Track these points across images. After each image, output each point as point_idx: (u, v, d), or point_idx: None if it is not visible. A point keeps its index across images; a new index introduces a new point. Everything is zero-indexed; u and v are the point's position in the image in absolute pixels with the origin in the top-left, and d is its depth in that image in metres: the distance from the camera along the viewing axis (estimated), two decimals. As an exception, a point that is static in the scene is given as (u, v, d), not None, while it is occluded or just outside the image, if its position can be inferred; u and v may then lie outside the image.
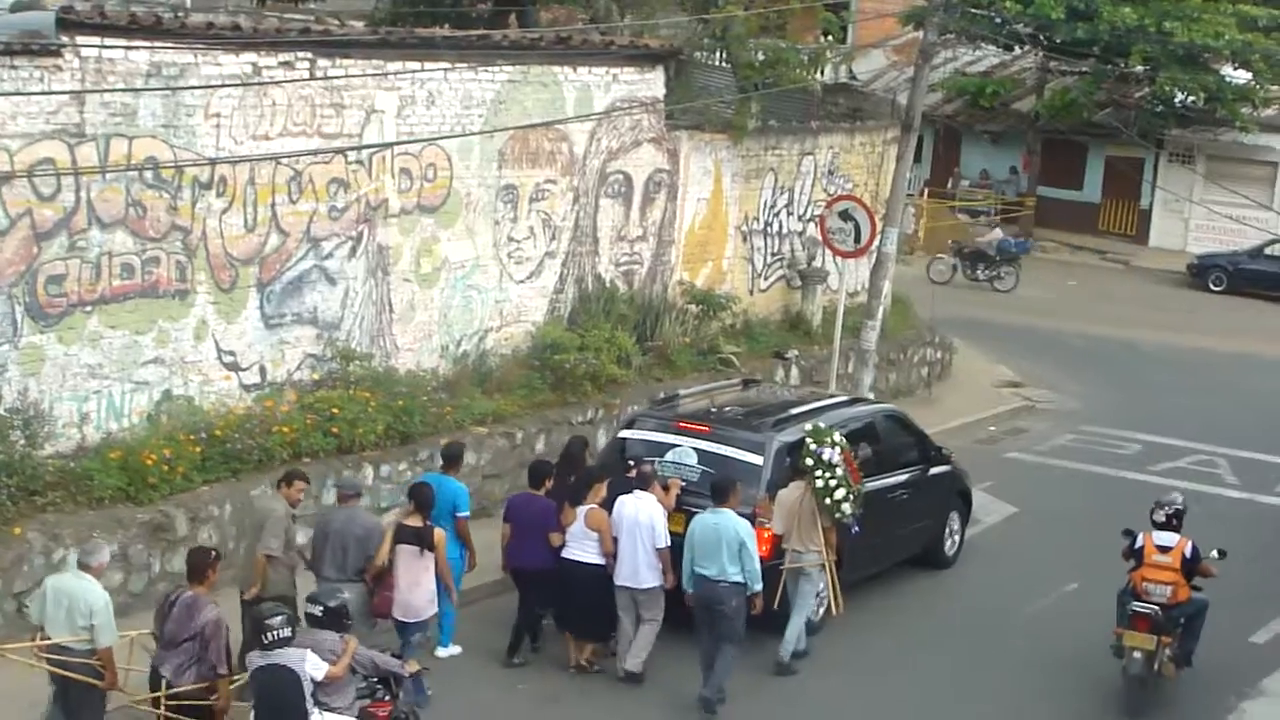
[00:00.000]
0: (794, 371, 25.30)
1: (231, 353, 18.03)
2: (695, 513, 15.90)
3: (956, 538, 20.44)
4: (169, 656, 12.79)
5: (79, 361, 16.42)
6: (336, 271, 19.10)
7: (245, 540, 15.30)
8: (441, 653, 15.97)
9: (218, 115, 17.36)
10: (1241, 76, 45.23)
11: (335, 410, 18.23)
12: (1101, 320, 38.24)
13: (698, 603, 15.53)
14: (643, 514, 15.66)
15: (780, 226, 27.18)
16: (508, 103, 20.97)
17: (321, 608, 12.73)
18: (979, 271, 41.31)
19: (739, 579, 15.30)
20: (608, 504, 15.87)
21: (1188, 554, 16.19)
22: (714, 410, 18.40)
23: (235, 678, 13.02)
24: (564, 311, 22.57)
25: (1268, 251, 44.65)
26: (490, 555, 16.40)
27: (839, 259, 25.66)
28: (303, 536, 17.40)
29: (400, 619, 14.88)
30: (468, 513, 15.97)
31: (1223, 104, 44.88)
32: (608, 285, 23.21)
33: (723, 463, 16.87)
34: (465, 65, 20.26)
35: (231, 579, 14.94)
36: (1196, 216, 47.95)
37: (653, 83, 23.51)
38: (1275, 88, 45.63)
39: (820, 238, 25.77)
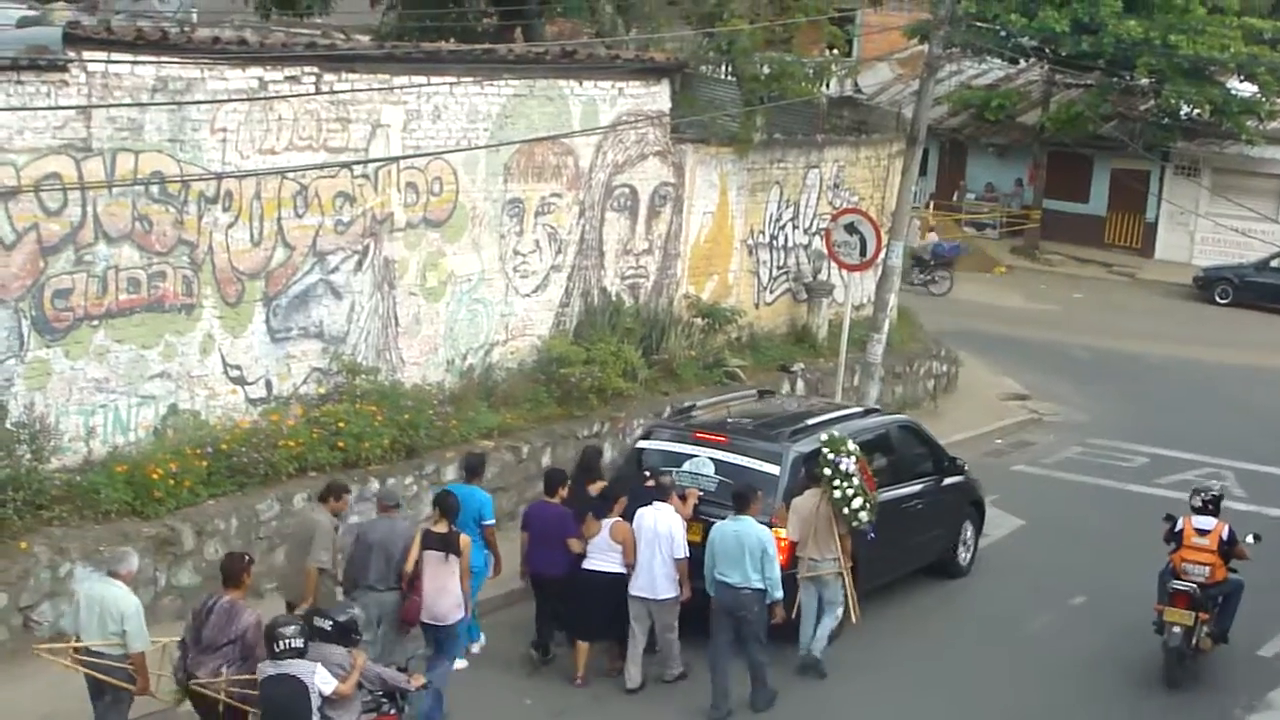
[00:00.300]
0: (799, 385, 25.30)
1: (237, 367, 18.04)
2: (712, 522, 16.10)
3: (970, 547, 20.54)
4: (205, 660, 12.88)
5: (85, 375, 16.43)
6: (342, 285, 19.11)
7: (289, 553, 15.43)
8: (474, 648, 16.21)
9: (224, 130, 17.38)
10: (1247, 89, 45.24)
11: (341, 424, 18.23)
12: (1107, 333, 38.22)
13: (720, 609, 15.67)
14: (662, 525, 15.82)
15: (786, 240, 27.19)
16: (513, 116, 20.99)
17: (331, 622, 12.73)
18: (914, 275, 40.85)
19: (761, 586, 15.51)
20: (626, 515, 16.04)
21: (1225, 537, 17.19)
22: (730, 421, 18.59)
23: None
24: (569, 325, 22.57)
25: (1274, 264, 44.66)
26: (508, 565, 16.49)
27: (844, 272, 25.70)
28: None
29: (428, 623, 14.98)
30: (493, 520, 16.15)
31: (1228, 117, 44.90)
32: (613, 299, 23.21)
33: (740, 473, 17.07)
34: (471, 79, 20.29)
35: (273, 589, 15.28)
36: (1202, 229, 47.98)
37: (658, 96, 23.53)
38: (1281, 100, 45.67)
39: (826, 251, 25.77)
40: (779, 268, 27.14)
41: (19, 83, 15.36)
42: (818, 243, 27.05)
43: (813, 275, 27.49)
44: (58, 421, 16.15)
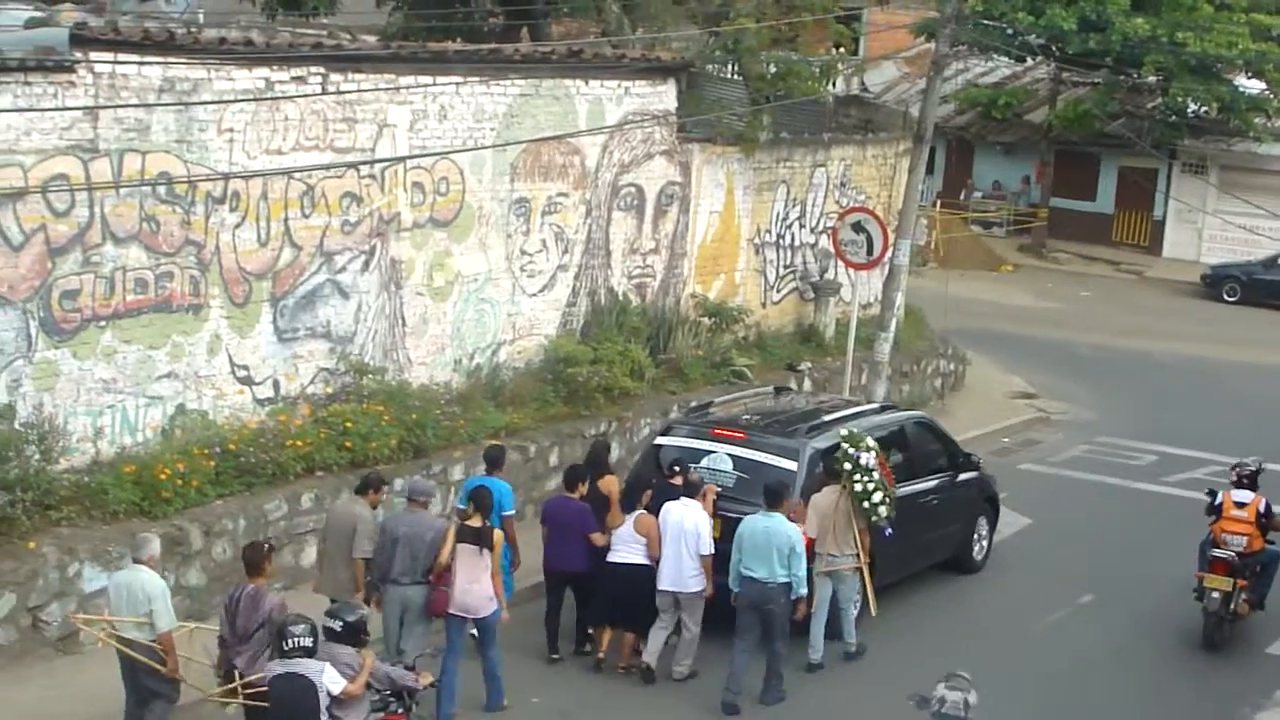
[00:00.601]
0: (806, 384, 25.29)
1: (245, 367, 18.06)
2: (730, 518, 16.32)
3: (984, 543, 20.67)
4: (242, 650, 13.07)
5: (93, 376, 16.45)
6: (349, 285, 19.13)
7: (327, 547, 15.53)
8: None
9: (231, 130, 17.41)
10: (1255, 86, 45.20)
11: (348, 424, 18.25)
12: (1115, 331, 38.20)
13: (744, 603, 15.86)
14: (689, 521, 16.02)
15: (792, 239, 27.19)
16: (520, 116, 21.00)
17: (341, 623, 12.76)
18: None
19: (787, 580, 15.74)
20: (655, 506, 16.31)
21: (1262, 510, 18.32)
22: (748, 417, 18.74)
23: None
24: (577, 324, 22.58)
25: (1282, 261, 44.66)
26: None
27: (851, 271, 25.69)
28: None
29: (459, 614, 15.10)
30: (513, 511, 16.33)
31: (1236, 114, 44.86)
32: (620, 298, 23.23)
33: (758, 469, 17.28)
34: (477, 79, 20.31)
35: (280, 588, 15.42)
36: (1210, 227, 47.92)
37: (665, 95, 23.54)
38: (1288, 97, 45.60)
39: (833, 250, 25.77)
40: (786, 267, 27.14)
41: (26, 84, 15.39)
42: (824, 241, 27.05)
43: (819, 274, 27.48)
44: (66, 422, 16.17)
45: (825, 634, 16.95)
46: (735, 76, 26.73)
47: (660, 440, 18.44)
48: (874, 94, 46.80)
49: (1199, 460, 26.66)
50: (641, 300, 23.67)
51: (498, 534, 15.17)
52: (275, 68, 17.79)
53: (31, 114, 15.42)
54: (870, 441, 17.24)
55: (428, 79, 19.60)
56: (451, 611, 15.03)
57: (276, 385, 18.46)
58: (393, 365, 19.81)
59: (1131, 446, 27.54)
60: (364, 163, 18.95)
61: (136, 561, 13.40)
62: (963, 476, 20.04)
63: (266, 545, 13.80)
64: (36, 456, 15.47)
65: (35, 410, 15.84)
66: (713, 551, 16.03)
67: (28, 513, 15.15)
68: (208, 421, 17.64)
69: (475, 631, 15.28)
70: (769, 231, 26.55)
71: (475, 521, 15.15)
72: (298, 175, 18.16)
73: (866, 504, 16.91)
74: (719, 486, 17.06)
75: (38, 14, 16.94)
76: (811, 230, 27.54)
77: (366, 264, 19.30)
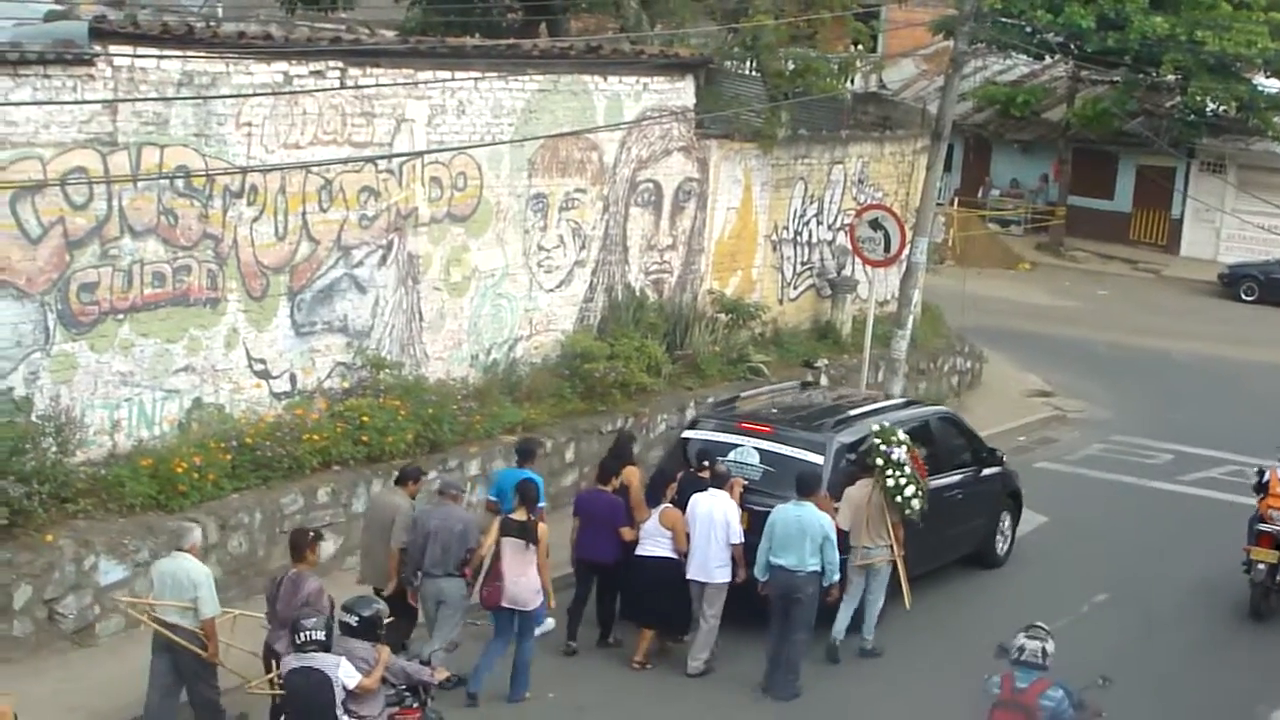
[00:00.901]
0: (823, 381, 25.26)
1: (262, 361, 18.08)
2: (757, 510, 16.50)
3: (1007, 538, 20.79)
4: (282, 634, 13.23)
5: (110, 369, 16.48)
6: (367, 280, 19.14)
7: (367, 537, 15.87)
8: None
9: (249, 124, 17.42)
10: (1274, 85, 45.12)
11: (365, 418, 18.26)
12: (1132, 330, 38.13)
13: (774, 592, 16.06)
14: (718, 511, 16.20)
15: (810, 235, 27.16)
16: (538, 111, 21.00)
17: (357, 617, 12.79)
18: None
19: (816, 569, 15.93)
20: (681, 500, 16.46)
21: None
22: (774, 411, 18.92)
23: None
24: (593, 320, 22.58)
25: (1300, 262, 44.56)
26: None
27: (869, 268, 25.65)
28: (333, 545, 17.52)
29: (509, 607, 15.25)
30: (544, 504, 16.35)
31: (1255, 113, 44.78)
32: (637, 294, 23.22)
33: (784, 462, 17.41)
34: (495, 74, 20.30)
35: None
36: (1228, 226, 47.81)
37: (683, 92, 23.52)
38: (1308, 97, 45.49)
39: (850, 247, 25.74)
40: (803, 263, 27.12)
41: (46, 77, 15.42)
42: (842, 238, 27.02)
43: (837, 271, 27.46)
44: (83, 415, 16.20)
45: (849, 625, 17.12)
46: (753, 73, 26.71)
47: (688, 434, 18.60)
48: (892, 91, 46.76)
49: (1215, 460, 26.61)
50: (658, 296, 23.67)
51: (542, 528, 15.33)
52: (294, 62, 17.80)
53: (51, 107, 15.43)
54: (902, 436, 17.44)
55: (446, 74, 19.62)
56: (504, 605, 15.25)
57: (293, 379, 18.47)
58: (409, 360, 19.81)
59: (1148, 445, 27.48)
60: (382, 157, 18.95)
61: (179, 550, 13.68)
62: (986, 471, 20.18)
63: (312, 533, 14.07)
64: (53, 449, 15.50)
65: (52, 403, 15.87)
66: (742, 540, 16.21)
67: (44, 505, 15.17)
68: (224, 415, 17.66)
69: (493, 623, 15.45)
70: (786, 228, 26.53)
71: (520, 515, 15.32)
72: (315, 169, 18.17)
73: (899, 498, 17.10)
74: (745, 480, 17.20)
75: (57, 7, 16.97)
76: (829, 227, 27.51)
77: (384, 259, 19.31)
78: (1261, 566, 18.83)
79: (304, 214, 18.23)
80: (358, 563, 16.48)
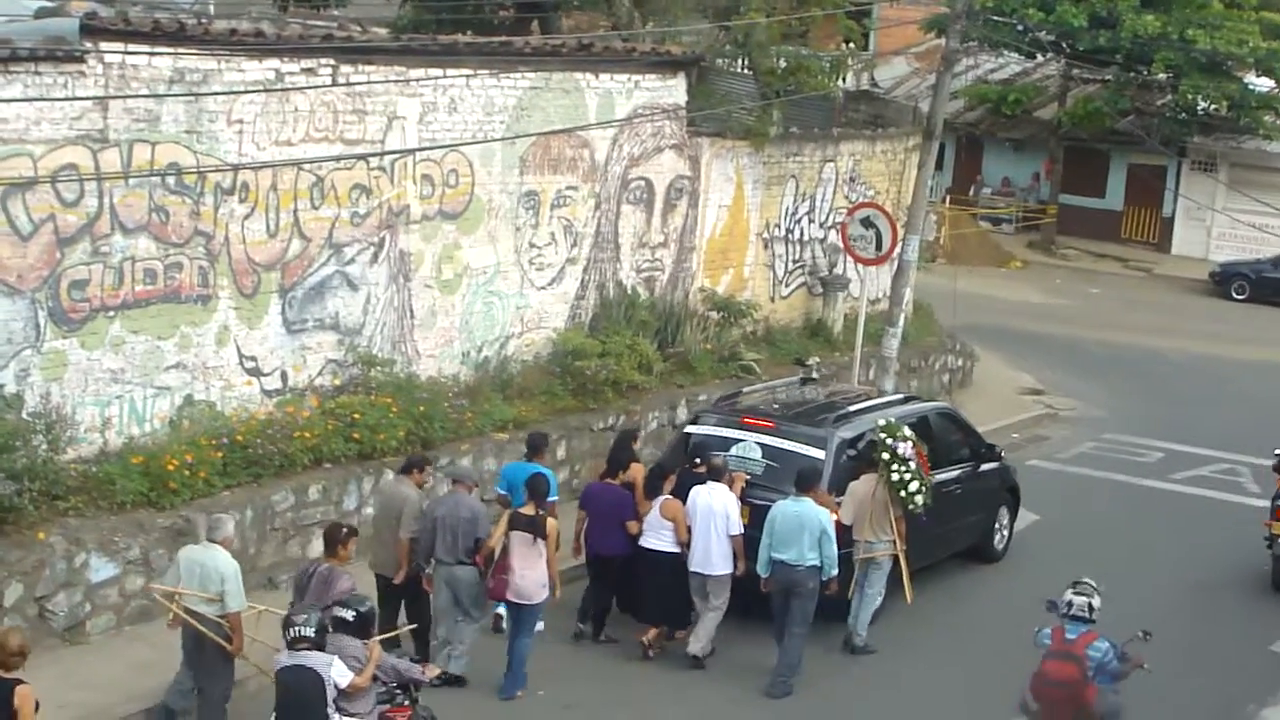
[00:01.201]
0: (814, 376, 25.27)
1: (253, 358, 18.06)
2: (759, 505, 16.67)
3: (1005, 533, 20.96)
4: None
5: (101, 366, 16.45)
6: (358, 277, 19.13)
7: (377, 527, 16.00)
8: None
9: (240, 121, 17.40)
10: (1265, 84, 45.18)
11: (356, 416, 18.24)
12: (1123, 328, 38.18)
13: (775, 586, 16.21)
14: (717, 503, 16.38)
15: (801, 233, 27.17)
16: (530, 109, 20.99)
17: (354, 613, 12.82)
18: None
19: (815, 563, 16.05)
20: (678, 495, 16.61)
21: None
22: (776, 406, 19.11)
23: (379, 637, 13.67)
24: (585, 318, 22.58)
25: (1290, 260, 44.59)
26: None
27: (860, 266, 25.66)
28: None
29: (514, 601, 15.39)
30: (555, 497, 16.48)
31: (1246, 112, 44.85)
32: (629, 292, 23.22)
33: (786, 457, 17.58)
34: (487, 72, 20.29)
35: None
36: (1219, 225, 47.90)
37: (675, 89, 23.52)
38: (1298, 95, 45.55)
39: (842, 245, 25.73)
40: (794, 261, 27.13)
41: (36, 73, 15.37)
42: (833, 237, 27.03)
43: (828, 269, 27.48)
44: (74, 412, 16.17)
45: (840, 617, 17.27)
46: (745, 71, 26.73)
47: (690, 429, 18.73)
48: (884, 89, 46.82)
49: (1206, 458, 26.67)
50: (650, 294, 23.67)
51: (551, 523, 15.43)
52: (285, 59, 17.78)
53: (41, 104, 15.39)
54: (907, 431, 17.59)
55: (438, 71, 19.60)
56: (509, 599, 15.39)
57: (284, 376, 18.46)
58: (401, 357, 19.80)
59: (1139, 443, 27.52)
60: (374, 154, 18.93)
61: (211, 541, 13.80)
62: (985, 467, 20.37)
63: (345, 528, 14.20)
64: (44, 446, 15.46)
65: (43, 400, 15.83)
66: (741, 532, 16.37)
67: (35, 503, 15.14)
68: (215, 412, 17.64)
69: (505, 613, 15.72)
70: (778, 226, 26.54)
71: (529, 510, 15.43)
72: (307, 167, 18.15)
73: (903, 493, 17.25)
74: (748, 474, 17.38)
75: (48, 4, 16.93)
76: (820, 225, 27.53)
77: (375, 256, 19.30)
78: None
79: (295, 211, 18.21)
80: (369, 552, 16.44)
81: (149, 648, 15.21)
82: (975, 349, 31.22)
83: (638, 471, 17.21)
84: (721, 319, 24.63)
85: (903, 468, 17.25)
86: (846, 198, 27.73)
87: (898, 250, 25.26)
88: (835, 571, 16.25)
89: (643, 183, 23.27)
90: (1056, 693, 13.50)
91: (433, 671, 13.71)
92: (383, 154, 19.04)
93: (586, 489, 17.48)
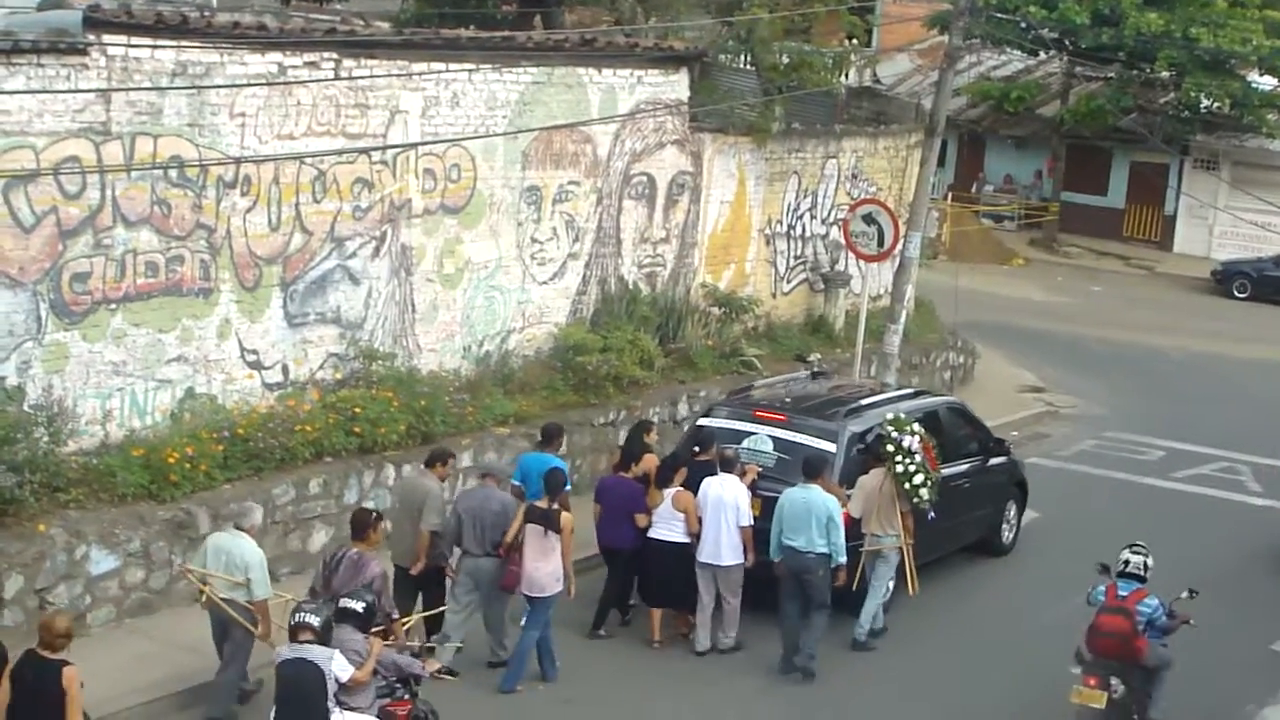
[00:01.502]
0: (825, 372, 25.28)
1: (254, 351, 18.06)
2: (771, 497, 16.86)
3: (1013, 526, 21.15)
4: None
5: (103, 359, 16.46)
6: (360, 271, 19.13)
7: (397, 518, 16.11)
8: None
9: (243, 114, 17.40)
10: (1268, 83, 45.13)
11: (357, 410, 18.25)
12: (1125, 326, 38.17)
13: (786, 572, 16.48)
14: (728, 494, 16.61)
15: (803, 230, 27.16)
16: (532, 104, 20.99)
17: (362, 604, 12.86)
18: None
19: (825, 550, 16.33)
20: (688, 487, 16.81)
21: None
22: (788, 400, 19.29)
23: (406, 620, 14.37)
24: (586, 313, 22.58)
25: (1292, 258, 44.57)
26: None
27: (862, 262, 25.67)
28: (325, 536, 17.56)
29: (526, 593, 15.55)
30: (568, 487, 16.59)
31: (1249, 110, 44.79)
32: (630, 287, 23.21)
33: (798, 450, 17.75)
34: (490, 66, 20.28)
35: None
36: (1221, 223, 47.90)
37: (677, 85, 23.52)
38: (1302, 94, 45.51)
39: (843, 241, 25.75)
40: (796, 258, 27.12)
41: (39, 66, 15.38)
42: (835, 233, 27.03)
43: (830, 265, 27.47)
44: (75, 404, 16.18)
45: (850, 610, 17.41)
46: (748, 67, 26.71)
47: (703, 421, 18.89)
48: (886, 86, 46.80)
49: (1207, 456, 26.66)
50: (651, 289, 23.66)
51: (566, 517, 15.55)
52: (288, 53, 17.78)
53: (44, 96, 15.41)
54: (915, 426, 17.74)
55: (440, 66, 19.59)
56: (521, 591, 15.53)
57: (286, 370, 18.47)
58: (402, 351, 19.81)
59: (1140, 442, 27.52)
60: (376, 149, 18.94)
61: (238, 528, 14.13)
62: (993, 461, 20.52)
63: (374, 513, 14.43)
64: (45, 438, 15.47)
65: (44, 392, 15.86)
66: (751, 524, 16.56)
67: (36, 495, 15.16)
68: (216, 405, 17.65)
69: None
70: (780, 222, 26.53)
71: (544, 503, 15.59)
72: (309, 160, 18.15)
73: (908, 485, 17.35)
74: (760, 466, 17.55)
75: (51, -4, 16.97)
76: (822, 221, 27.52)
77: (377, 250, 19.30)
78: None
79: (297, 205, 18.21)
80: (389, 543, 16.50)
81: (149, 640, 15.25)
82: (976, 346, 31.23)
83: (651, 463, 17.34)
84: (723, 315, 24.62)
85: (909, 461, 17.38)
86: (848, 194, 27.72)
87: (899, 247, 25.26)
88: (843, 559, 16.47)
89: (645, 178, 23.27)
90: (1109, 643, 14.57)
91: (433, 666, 13.74)
92: (385, 148, 19.05)
93: (600, 482, 17.68)
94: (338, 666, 12.25)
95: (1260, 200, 40.79)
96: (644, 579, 17.02)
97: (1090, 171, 49.92)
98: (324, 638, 12.30)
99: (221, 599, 13.83)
